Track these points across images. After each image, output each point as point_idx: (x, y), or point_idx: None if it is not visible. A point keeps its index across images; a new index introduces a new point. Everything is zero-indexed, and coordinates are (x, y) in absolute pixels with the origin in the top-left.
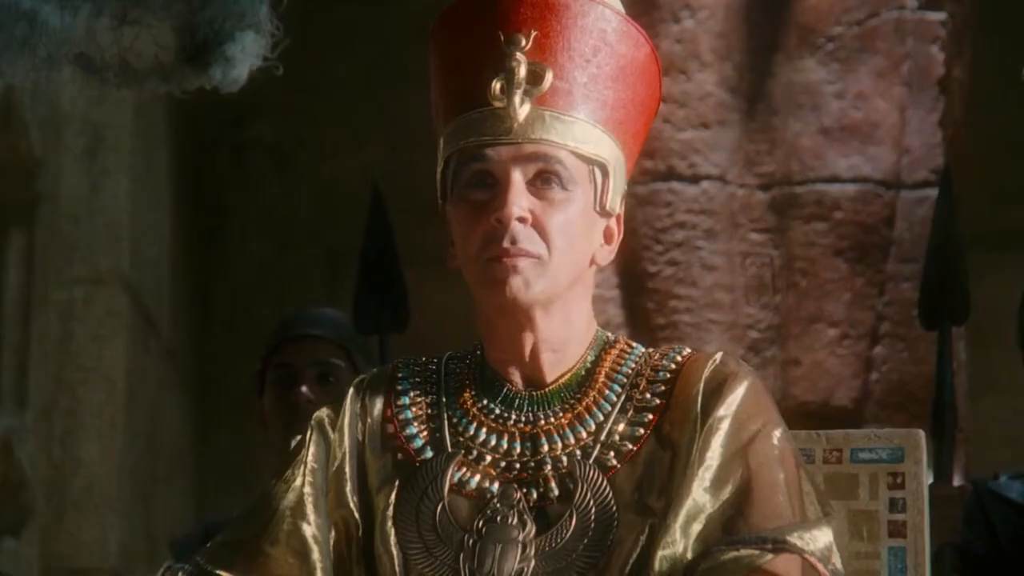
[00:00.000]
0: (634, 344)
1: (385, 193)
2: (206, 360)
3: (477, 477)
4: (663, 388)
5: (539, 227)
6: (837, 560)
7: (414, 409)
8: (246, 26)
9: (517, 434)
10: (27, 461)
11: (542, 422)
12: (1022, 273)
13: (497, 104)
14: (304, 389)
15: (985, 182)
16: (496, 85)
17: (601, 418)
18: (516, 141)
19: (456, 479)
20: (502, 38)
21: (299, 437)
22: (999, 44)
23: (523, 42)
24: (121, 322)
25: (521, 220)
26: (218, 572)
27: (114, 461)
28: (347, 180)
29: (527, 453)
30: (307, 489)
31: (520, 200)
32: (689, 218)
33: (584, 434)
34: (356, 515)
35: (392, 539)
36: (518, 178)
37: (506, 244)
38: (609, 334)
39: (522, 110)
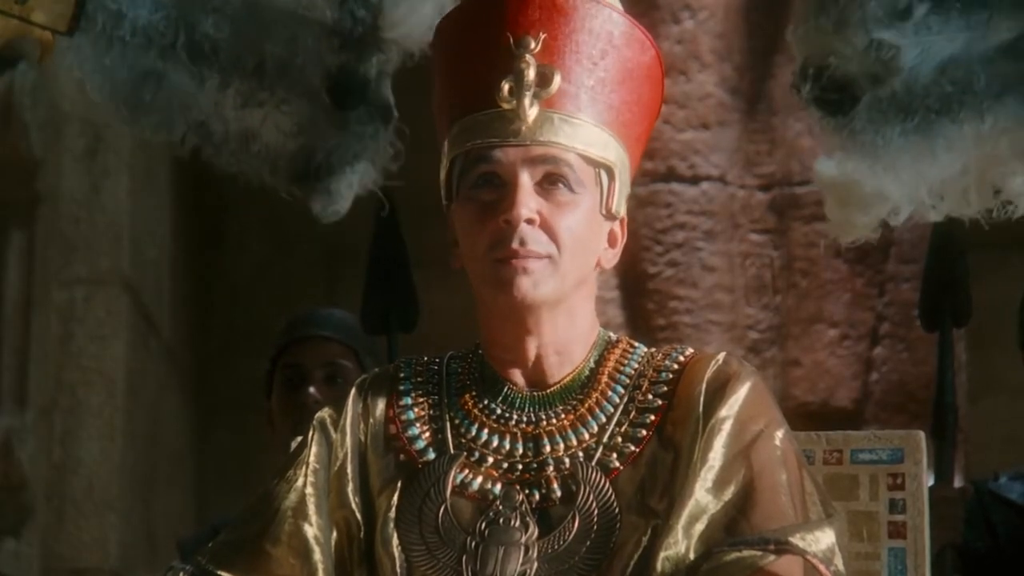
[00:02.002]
0: (636, 344)
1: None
2: (206, 360)
3: (479, 479)
4: (665, 389)
5: (547, 228)
6: (839, 561)
7: (416, 410)
8: (363, 157)
9: (519, 435)
10: (27, 461)
11: (544, 423)
12: (1022, 273)
13: (506, 106)
14: (312, 390)
15: None
16: (505, 87)
17: (603, 419)
18: (525, 143)
19: (458, 481)
20: (511, 40)
21: (300, 438)
22: None
23: (532, 44)
24: (121, 322)
25: (530, 221)
26: (219, 572)
27: (114, 461)
28: None
29: (529, 454)
30: (309, 489)
31: (529, 201)
32: (689, 219)
33: (586, 435)
34: (358, 516)
35: (394, 541)
36: (526, 180)
37: (515, 245)
38: (611, 334)
39: (531, 112)
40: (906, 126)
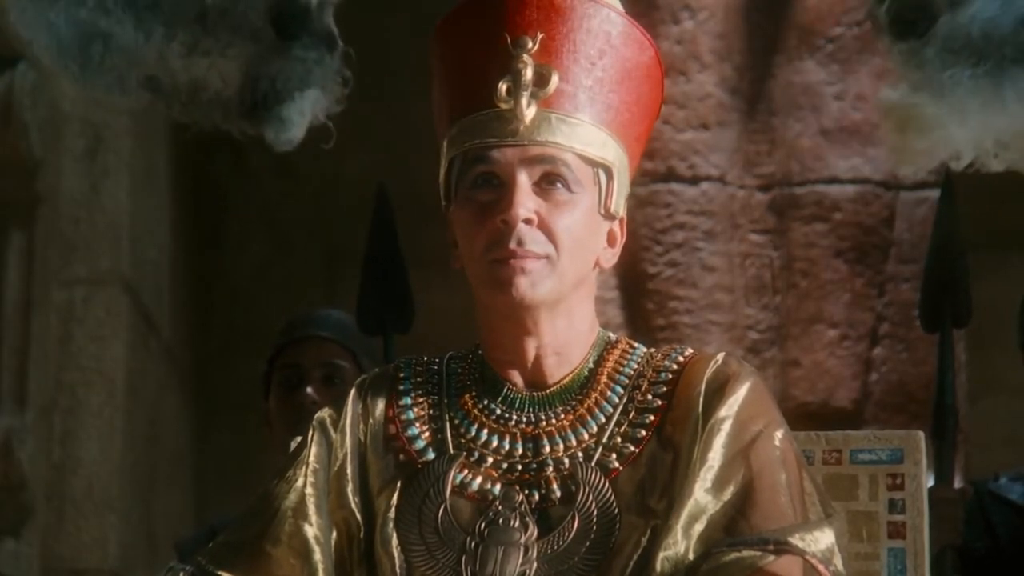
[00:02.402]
0: (636, 344)
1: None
2: (206, 360)
3: (479, 479)
4: (665, 389)
5: (545, 228)
6: (839, 561)
7: (416, 410)
8: (309, 84)
9: (519, 435)
10: (27, 461)
11: (543, 423)
12: (1022, 273)
13: (503, 106)
14: (310, 390)
15: (985, 182)
16: (503, 87)
17: (603, 420)
18: (522, 143)
19: (458, 481)
20: (509, 40)
21: (300, 438)
22: None
23: (530, 44)
24: (121, 322)
25: (527, 222)
26: (219, 572)
27: (114, 461)
28: (347, 180)
29: (528, 454)
30: (309, 490)
31: (527, 201)
32: (689, 219)
33: (586, 436)
34: (358, 516)
35: (393, 541)
36: (524, 180)
37: (512, 245)
38: (611, 334)
39: (529, 112)
40: (977, 71)
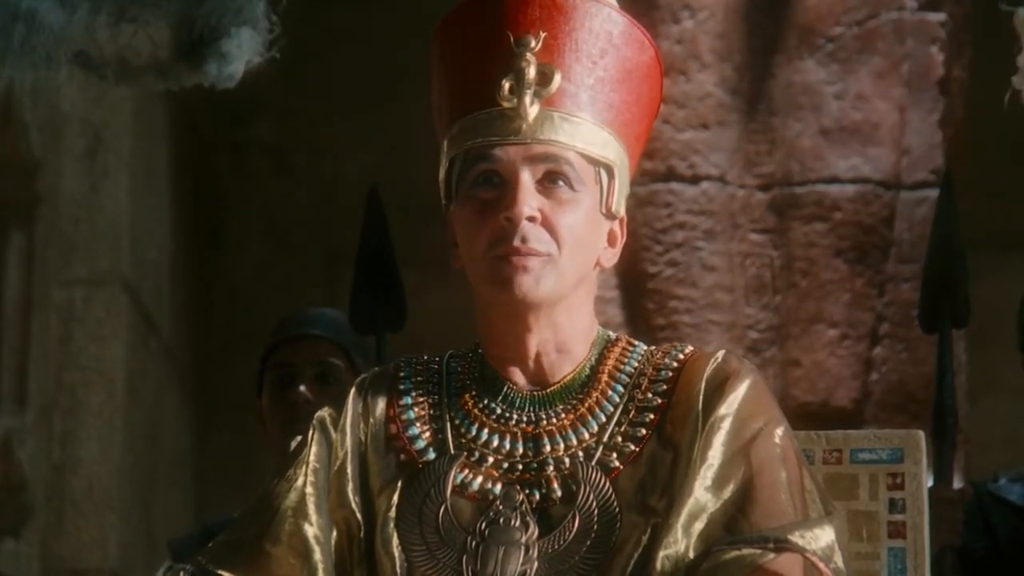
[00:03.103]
0: (636, 343)
1: (385, 193)
2: (206, 360)
3: (480, 479)
4: (665, 387)
5: (548, 226)
6: (839, 559)
7: (417, 409)
8: (242, 22)
9: (519, 434)
10: (27, 461)
11: (544, 422)
12: (1022, 274)
13: (506, 104)
14: (303, 389)
15: (985, 182)
16: (506, 85)
17: (603, 419)
18: (525, 141)
19: (459, 481)
20: (511, 39)
21: (300, 437)
22: (999, 44)
23: (533, 43)
24: (121, 322)
25: (531, 219)
26: (219, 572)
27: (114, 461)
28: (347, 180)
29: (529, 454)
30: (309, 489)
31: (530, 199)
32: (689, 219)
33: (586, 435)
34: (358, 515)
35: (394, 541)
36: (527, 178)
37: (516, 243)
38: (611, 333)
39: (532, 110)
40: None
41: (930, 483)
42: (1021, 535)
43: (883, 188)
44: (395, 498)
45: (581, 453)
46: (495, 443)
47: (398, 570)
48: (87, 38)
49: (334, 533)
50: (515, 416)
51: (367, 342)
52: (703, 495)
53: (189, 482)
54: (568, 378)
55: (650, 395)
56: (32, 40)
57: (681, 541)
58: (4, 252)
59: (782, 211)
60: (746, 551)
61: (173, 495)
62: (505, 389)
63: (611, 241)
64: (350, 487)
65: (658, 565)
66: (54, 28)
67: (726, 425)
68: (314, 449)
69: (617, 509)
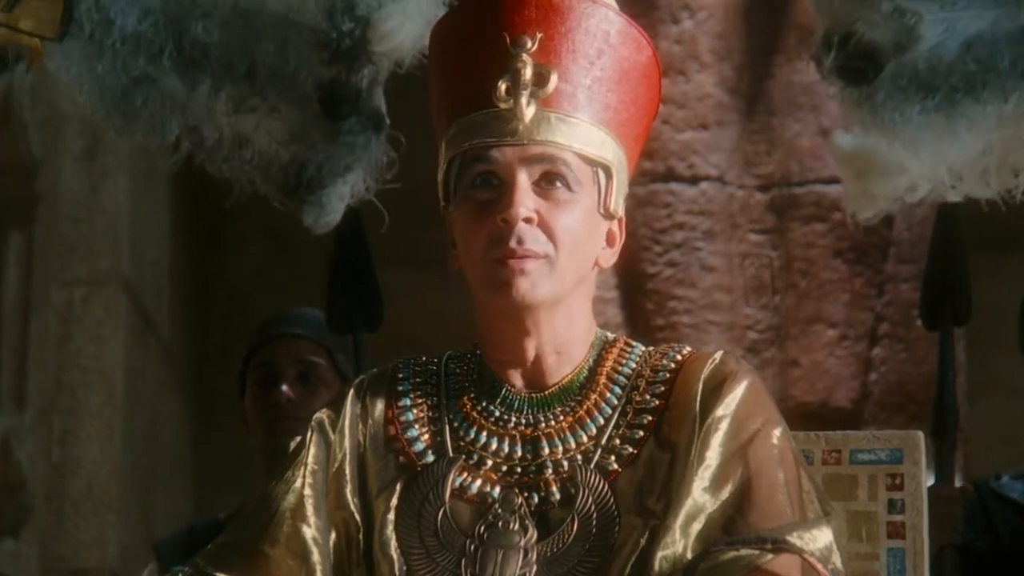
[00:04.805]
0: (634, 343)
1: (384, 193)
2: (205, 360)
3: (478, 482)
4: (662, 389)
5: (545, 227)
6: (837, 559)
7: (415, 411)
8: (354, 168)
9: (518, 437)
10: (26, 461)
11: (542, 425)
12: (1022, 274)
13: (503, 105)
14: (285, 388)
15: None
16: (502, 86)
17: (601, 421)
18: (522, 142)
19: (457, 484)
20: (508, 40)
21: (299, 438)
22: None
23: (529, 44)
24: (120, 322)
25: (527, 220)
26: (218, 574)
27: (113, 461)
28: None
29: (528, 457)
30: (307, 491)
31: (526, 200)
32: (688, 219)
33: (585, 438)
34: (356, 517)
35: (393, 544)
36: (524, 179)
37: (512, 244)
38: (608, 334)
39: (528, 111)
40: (927, 104)
41: (930, 482)
42: (1023, 533)
43: None
44: (394, 501)
45: (579, 456)
46: (494, 446)
47: (397, 573)
48: (205, 116)
49: (332, 534)
50: (513, 419)
51: (349, 341)
52: (701, 496)
53: (188, 482)
54: (566, 380)
55: (648, 396)
56: (150, 106)
57: (679, 542)
58: (3, 252)
59: (781, 211)
60: (744, 552)
61: (172, 495)
62: (504, 392)
63: (609, 241)
64: (348, 488)
65: (656, 566)
66: (173, 98)
67: (724, 426)
68: (312, 451)
69: (616, 512)
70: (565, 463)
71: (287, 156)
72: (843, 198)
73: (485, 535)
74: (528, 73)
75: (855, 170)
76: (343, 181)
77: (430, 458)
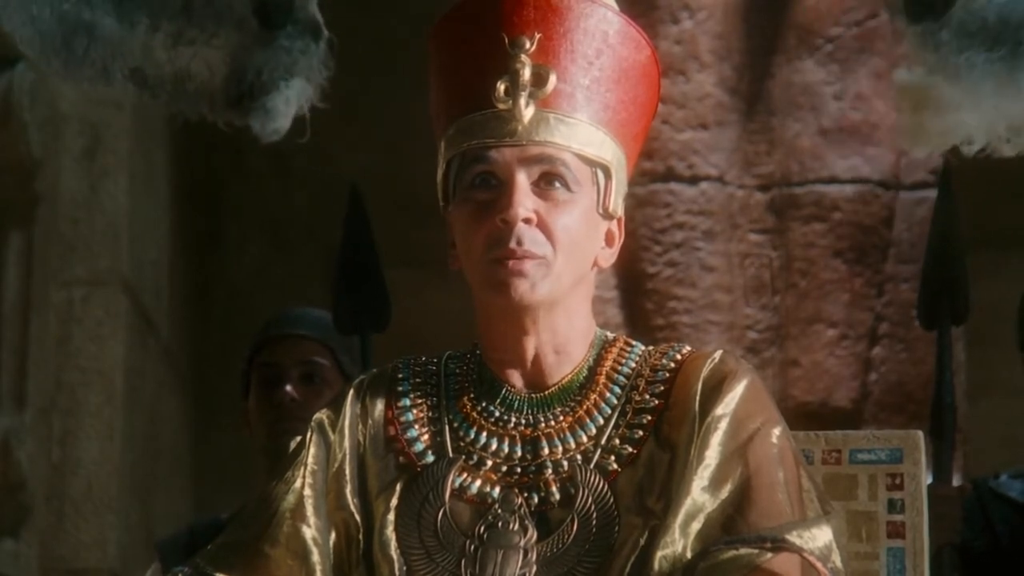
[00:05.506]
0: (633, 343)
1: (384, 193)
2: (205, 360)
3: (478, 482)
4: (662, 388)
5: (544, 228)
6: (837, 558)
7: (415, 411)
8: (294, 74)
9: (517, 437)
10: (26, 461)
11: (542, 425)
12: (1021, 273)
13: (501, 106)
14: (288, 388)
15: (985, 182)
16: (501, 87)
17: (601, 421)
18: (520, 143)
19: (457, 484)
20: (506, 40)
21: (299, 438)
22: None
23: (527, 44)
24: (120, 322)
25: (526, 221)
26: (217, 574)
27: (113, 461)
28: (346, 181)
29: (528, 457)
30: (307, 491)
31: (525, 201)
32: (688, 219)
33: (584, 438)
34: (356, 517)
35: (392, 544)
36: (523, 179)
37: (512, 245)
38: (608, 333)
39: (527, 112)
40: (992, 55)
41: (929, 481)
42: (1021, 532)
43: (882, 188)
44: (394, 501)
45: (579, 456)
46: (493, 446)
47: (396, 573)
48: (145, 56)
49: (332, 535)
50: (513, 419)
51: (353, 342)
52: (700, 495)
53: (188, 482)
54: (566, 380)
55: (647, 396)
56: (92, 53)
57: (678, 541)
58: (3, 252)
59: (781, 211)
60: (743, 551)
61: (172, 495)
62: (503, 392)
63: (609, 241)
64: (348, 489)
65: (656, 566)
66: (112, 42)
67: (723, 425)
68: (312, 451)
69: (615, 512)
70: (565, 463)
71: (227, 72)
72: (897, 134)
73: (485, 535)
74: (527, 74)
75: (912, 102)
76: (286, 86)
77: (430, 458)
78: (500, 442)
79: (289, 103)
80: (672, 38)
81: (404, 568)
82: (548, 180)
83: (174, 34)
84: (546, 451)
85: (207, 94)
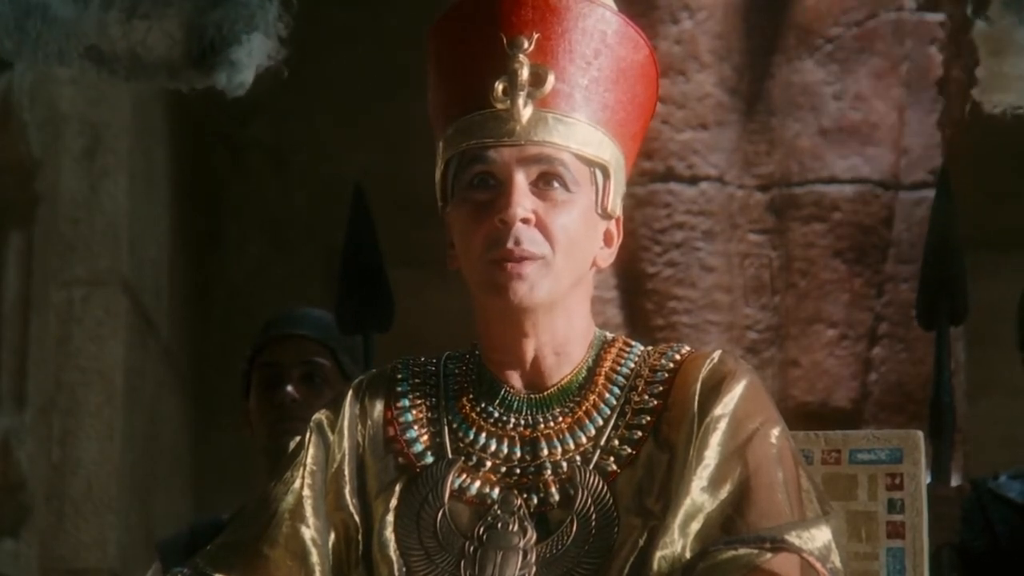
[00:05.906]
0: (632, 343)
1: (383, 193)
2: (205, 360)
3: (477, 483)
4: (660, 388)
5: (542, 228)
6: (836, 559)
7: (415, 412)
8: (253, 28)
9: (517, 438)
10: (26, 461)
11: (541, 426)
12: (1021, 273)
13: (500, 106)
14: (289, 388)
15: (984, 182)
16: (499, 87)
17: (600, 422)
18: (519, 143)
19: (456, 485)
20: (504, 40)
21: (298, 439)
22: None
23: (526, 44)
24: (120, 322)
25: (525, 221)
26: (217, 574)
27: (113, 461)
28: (345, 180)
29: (527, 458)
30: (306, 492)
31: (524, 201)
32: (688, 219)
33: (584, 439)
34: (355, 518)
35: (392, 545)
36: (521, 179)
37: (510, 245)
38: (607, 333)
39: (525, 112)
40: None
41: (928, 481)
42: (1020, 533)
43: (882, 188)
44: (393, 502)
45: (579, 457)
46: (493, 447)
47: (396, 574)
48: (99, 33)
49: (331, 535)
50: (512, 420)
51: (354, 342)
52: (699, 495)
53: (188, 482)
54: (565, 381)
55: (646, 397)
56: (45, 35)
57: (678, 541)
58: (3, 252)
59: (781, 211)
60: (743, 551)
61: (172, 495)
62: (502, 392)
63: (607, 241)
64: (347, 489)
65: (655, 566)
66: (66, 22)
67: (722, 425)
68: (311, 451)
69: (615, 513)
70: (564, 464)
71: (184, 34)
72: (979, 83)
73: (484, 536)
74: (525, 74)
75: (990, 49)
76: (247, 39)
77: (429, 459)
78: (499, 443)
79: (252, 56)
80: (672, 38)
81: (403, 569)
82: (546, 180)
83: (127, 8)
84: (545, 452)
85: (165, 64)
